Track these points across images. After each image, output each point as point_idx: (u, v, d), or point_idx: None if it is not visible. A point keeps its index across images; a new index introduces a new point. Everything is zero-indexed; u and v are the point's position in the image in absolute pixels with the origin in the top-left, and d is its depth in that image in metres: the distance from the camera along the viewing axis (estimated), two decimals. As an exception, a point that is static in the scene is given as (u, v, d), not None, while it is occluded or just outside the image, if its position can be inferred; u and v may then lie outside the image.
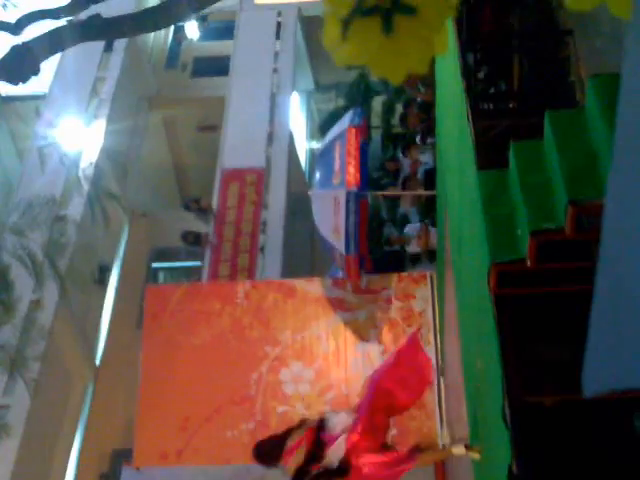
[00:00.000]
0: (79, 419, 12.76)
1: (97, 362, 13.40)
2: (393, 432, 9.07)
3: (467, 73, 6.58)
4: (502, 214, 5.28)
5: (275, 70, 15.52)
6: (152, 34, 16.65)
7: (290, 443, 5.91)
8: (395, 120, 14.59)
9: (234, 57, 15.86)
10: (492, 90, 8.37)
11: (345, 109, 13.49)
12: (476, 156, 5.68)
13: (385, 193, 12.52)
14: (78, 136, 13.58)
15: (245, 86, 15.18)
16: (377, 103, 15.69)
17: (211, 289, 10.88)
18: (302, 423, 6.10)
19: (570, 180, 4.57)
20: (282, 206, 13.82)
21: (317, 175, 10.30)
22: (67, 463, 12.19)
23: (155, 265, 16.00)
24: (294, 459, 5.85)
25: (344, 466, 5.89)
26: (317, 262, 13.86)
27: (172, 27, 17.17)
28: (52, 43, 6.13)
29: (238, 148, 14.34)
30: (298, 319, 9.86)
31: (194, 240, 13.55)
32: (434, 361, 9.47)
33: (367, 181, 10.04)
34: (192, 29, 17.32)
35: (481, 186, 5.51)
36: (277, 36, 16.00)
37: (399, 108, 14.29)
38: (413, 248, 11.64)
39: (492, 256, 5.13)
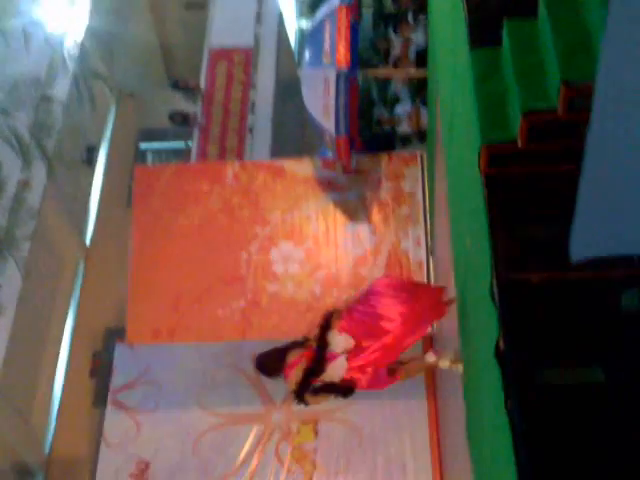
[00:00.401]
0: (71, 298, 12.90)
1: (87, 242, 13.47)
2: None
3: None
4: (494, 93, 5.24)
5: (264, -55, 15.08)
6: None
7: (291, 358, 6.07)
8: (386, -2, 14.28)
9: None
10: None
11: (335, -14, 13.17)
12: (469, 34, 5.59)
13: (376, 72, 12.35)
14: (62, 15, 13.27)
15: (233, -38, 14.77)
16: (368, -20, 15.32)
17: (200, 169, 10.85)
18: (304, 340, 6.24)
19: (564, 60, 4.52)
20: (271, 86, 13.65)
21: (306, 55, 10.14)
22: (60, 342, 12.38)
23: (143, 146, 15.91)
24: (295, 373, 6.03)
25: (347, 385, 6.12)
26: (306, 143, 13.79)
27: None
28: None
29: (226, 27, 14.05)
30: (288, 199, 9.89)
31: (182, 120, 13.42)
32: (423, 240, 9.59)
33: (357, 61, 9.90)
34: None
35: (473, 65, 5.45)
36: None
37: (390, -15, 13.97)
38: (404, 129, 11.58)
39: (483, 136, 5.12)
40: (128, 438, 10.26)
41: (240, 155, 12.83)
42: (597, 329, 4.49)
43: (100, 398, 11.66)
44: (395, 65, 11.99)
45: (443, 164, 7.59)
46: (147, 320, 9.64)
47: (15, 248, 11.13)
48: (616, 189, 1.69)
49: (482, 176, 5.18)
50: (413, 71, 11.58)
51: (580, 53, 4.46)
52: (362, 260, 9.54)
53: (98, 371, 12.53)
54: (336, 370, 6.08)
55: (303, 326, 9.27)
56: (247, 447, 9.97)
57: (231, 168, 10.26)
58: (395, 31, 12.49)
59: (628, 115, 1.69)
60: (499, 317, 4.60)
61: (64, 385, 12.14)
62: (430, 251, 9.46)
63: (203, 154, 13.00)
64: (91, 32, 13.86)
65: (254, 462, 9.89)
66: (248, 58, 13.84)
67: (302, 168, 10.05)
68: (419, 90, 11.37)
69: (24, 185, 11.84)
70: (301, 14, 17.11)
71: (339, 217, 9.74)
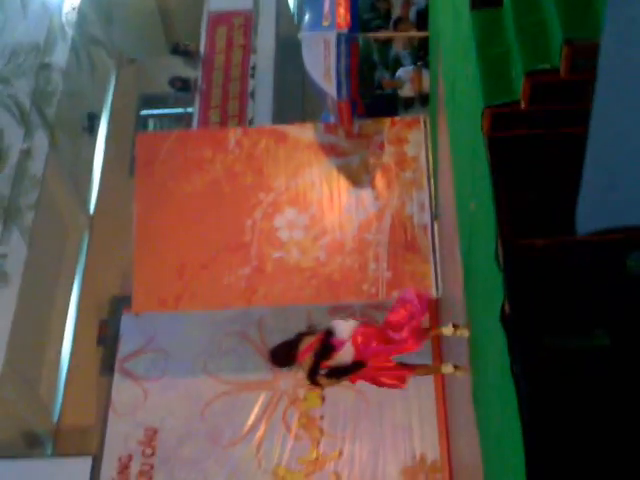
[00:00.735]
0: (77, 267, 12.90)
1: (91, 210, 13.44)
2: (388, 275, 9.30)
3: None
4: (496, 55, 5.18)
5: None
6: None
7: (302, 347, 6.49)
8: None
9: None
10: None
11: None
12: (470, -5, 5.52)
13: (377, 35, 12.23)
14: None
15: None
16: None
17: (202, 136, 10.79)
18: (312, 330, 6.70)
19: (566, 19, 4.46)
20: (271, 50, 13.56)
21: (306, 17, 10.04)
22: (67, 310, 12.40)
23: (144, 112, 15.82)
24: (306, 360, 6.45)
25: (356, 362, 6.49)
26: (308, 107, 13.71)
27: None
28: None
29: (225, -11, 13.96)
30: (291, 165, 9.83)
31: (182, 86, 13.35)
32: (427, 204, 9.54)
33: (358, 23, 9.79)
34: None
35: (475, 26, 5.39)
36: None
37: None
38: (406, 92, 11.48)
39: (486, 98, 5.07)
40: (136, 406, 10.35)
41: (242, 120, 12.76)
42: (602, 292, 4.46)
43: (107, 366, 11.73)
44: (396, 27, 11.87)
45: (446, 127, 7.53)
46: (153, 289, 9.63)
47: (19, 217, 11.13)
48: (620, 159, 1.65)
49: (486, 139, 5.14)
50: (414, 33, 11.46)
51: (583, 12, 4.40)
52: (366, 225, 9.51)
53: (105, 339, 12.57)
54: (344, 357, 6.44)
55: (308, 292, 9.33)
56: (255, 414, 10.04)
57: (233, 135, 10.19)
58: (395, -9, 12.38)
59: (636, 76, 1.64)
60: (504, 281, 4.58)
61: (71, 354, 12.18)
62: (434, 215, 9.42)
63: (205, 120, 12.94)
64: (89, -3, 13.76)
65: (262, 428, 9.96)
66: (248, 21, 13.73)
67: (305, 133, 9.98)
68: (420, 52, 11.27)
69: (26, 154, 11.81)
70: (300, -24, 16.94)
71: (343, 182, 9.70)
